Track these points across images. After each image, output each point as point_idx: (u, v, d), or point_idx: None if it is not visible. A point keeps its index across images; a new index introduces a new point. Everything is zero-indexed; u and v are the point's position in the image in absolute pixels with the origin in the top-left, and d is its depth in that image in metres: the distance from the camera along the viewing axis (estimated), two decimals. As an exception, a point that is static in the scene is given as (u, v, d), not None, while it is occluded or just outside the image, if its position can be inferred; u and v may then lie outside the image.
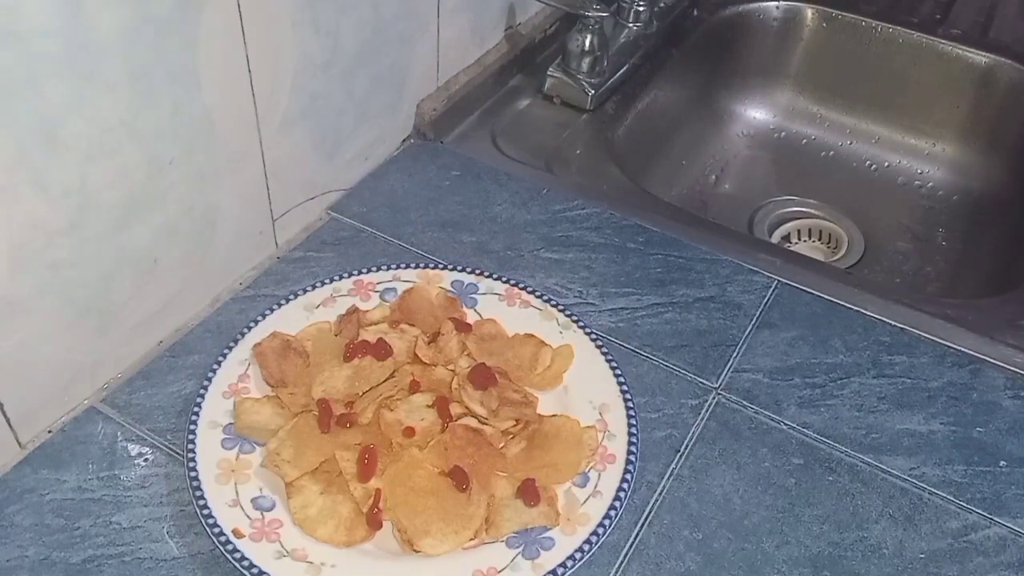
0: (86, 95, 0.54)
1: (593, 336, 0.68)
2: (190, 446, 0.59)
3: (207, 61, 0.62)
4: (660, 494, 0.61)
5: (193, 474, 0.58)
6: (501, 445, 0.61)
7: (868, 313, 0.75)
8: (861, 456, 0.64)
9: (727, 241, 0.81)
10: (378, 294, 0.71)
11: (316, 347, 0.66)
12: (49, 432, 0.63)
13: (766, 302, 0.75)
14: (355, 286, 0.71)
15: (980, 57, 1.08)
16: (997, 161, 1.10)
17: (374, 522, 0.56)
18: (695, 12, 1.13)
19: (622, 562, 0.58)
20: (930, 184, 1.12)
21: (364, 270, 0.72)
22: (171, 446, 0.62)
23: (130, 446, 0.62)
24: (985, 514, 0.61)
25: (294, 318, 0.68)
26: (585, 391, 0.65)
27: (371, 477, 0.58)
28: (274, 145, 0.72)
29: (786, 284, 0.77)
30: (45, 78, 0.52)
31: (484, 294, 0.71)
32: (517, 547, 0.56)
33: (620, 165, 0.91)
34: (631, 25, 1.05)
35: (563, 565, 0.55)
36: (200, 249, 0.69)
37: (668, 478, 0.62)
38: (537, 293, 0.71)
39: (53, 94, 0.53)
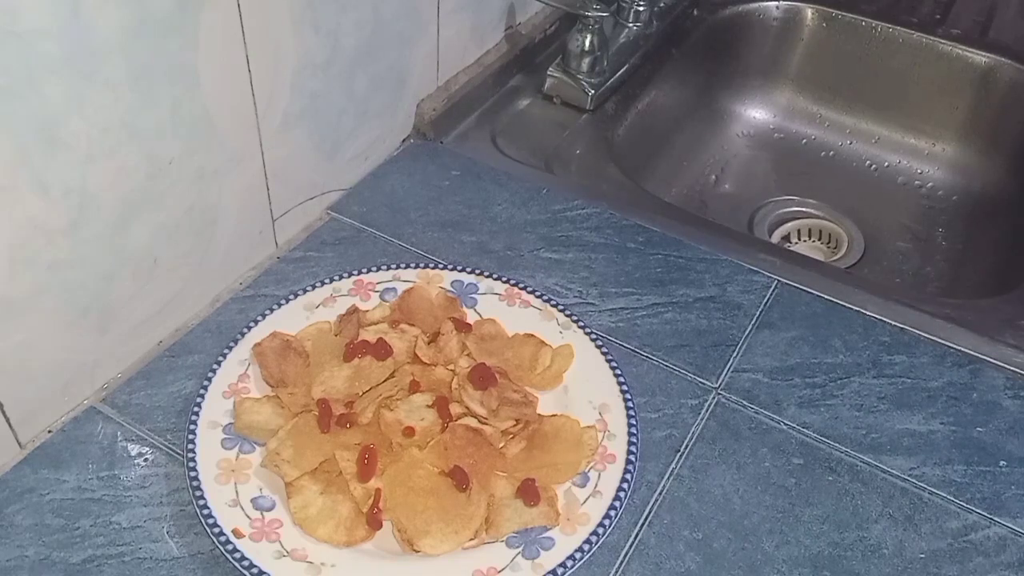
0: (86, 95, 0.55)
1: (593, 336, 0.68)
2: (190, 446, 0.59)
3: (207, 61, 0.62)
4: (660, 494, 0.61)
5: (193, 474, 0.58)
6: (501, 445, 0.61)
7: (868, 313, 0.75)
8: (861, 456, 0.64)
9: (727, 241, 0.81)
10: (378, 294, 0.71)
11: (316, 347, 0.66)
12: (49, 432, 0.63)
13: (766, 302, 0.75)
14: (355, 286, 0.71)
15: (980, 57, 1.08)
16: (997, 161, 1.09)
17: (374, 522, 0.56)
18: (695, 12, 1.13)
19: (622, 562, 0.58)
20: (930, 184, 1.12)
21: (364, 270, 0.72)
22: (171, 446, 0.62)
23: (130, 446, 0.62)
24: (985, 514, 0.61)
25: (294, 318, 0.68)
26: (585, 391, 0.65)
27: (371, 477, 0.58)
28: (274, 145, 0.72)
29: (786, 284, 0.77)
30: (45, 78, 0.52)
31: (484, 294, 0.71)
32: (517, 547, 0.56)
33: (620, 165, 0.91)
34: (631, 25, 1.05)
35: (563, 565, 0.55)
36: (200, 249, 0.69)
37: (668, 478, 0.62)
38: (537, 293, 0.71)
39: (53, 94, 0.53)
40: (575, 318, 0.69)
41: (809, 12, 1.15)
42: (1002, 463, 0.64)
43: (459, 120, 0.93)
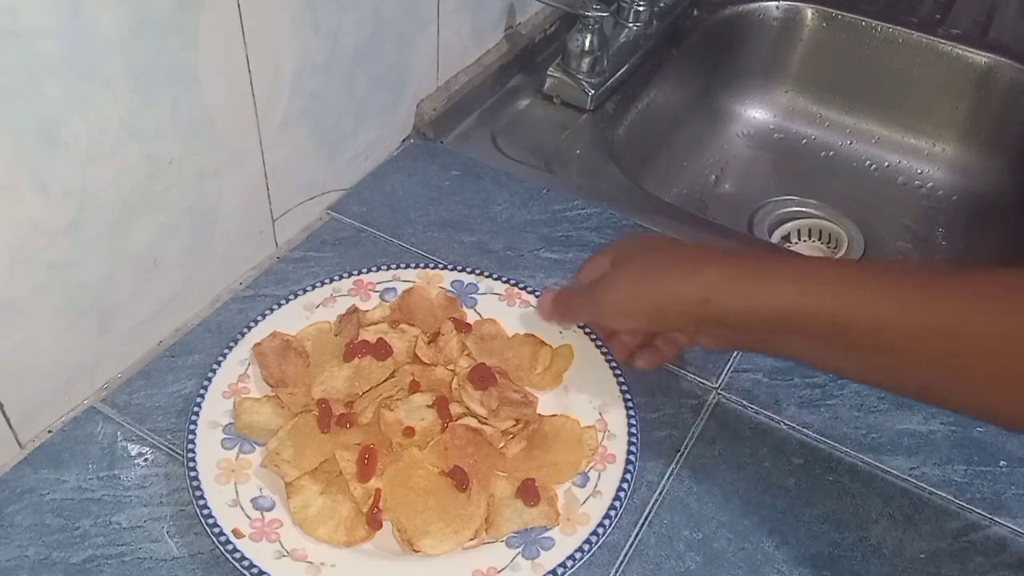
0: (86, 95, 0.55)
1: (593, 336, 0.68)
2: (190, 446, 0.59)
3: (207, 61, 0.62)
4: (660, 494, 0.61)
5: (193, 474, 0.57)
6: (501, 445, 0.61)
7: (868, 313, 0.75)
8: (861, 456, 0.64)
9: (727, 241, 0.81)
10: (378, 294, 0.71)
11: (316, 347, 0.66)
12: (49, 432, 0.63)
13: (766, 302, 0.75)
14: (355, 286, 0.71)
15: (980, 57, 1.08)
16: (997, 161, 1.10)
17: (374, 522, 0.56)
18: (695, 12, 1.13)
19: (622, 562, 0.58)
20: (930, 184, 1.12)
21: (364, 270, 0.72)
22: (171, 446, 0.62)
23: (130, 446, 0.62)
24: (985, 514, 0.61)
25: (294, 318, 0.68)
26: (585, 391, 0.65)
27: (371, 477, 0.58)
28: (274, 145, 0.72)
29: (786, 284, 0.77)
30: (45, 78, 0.52)
31: (484, 294, 0.71)
32: (517, 547, 0.56)
33: (620, 165, 0.91)
34: (631, 25, 1.05)
35: (563, 565, 0.55)
36: (200, 249, 0.69)
37: (668, 478, 0.62)
38: (537, 293, 0.71)
39: (53, 94, 0.53)
40: (575, 318, 0.69)
41: (809, 12, 1.15)
42: (1002, 463, 0.64)
43: (459, 120, 0.93)
